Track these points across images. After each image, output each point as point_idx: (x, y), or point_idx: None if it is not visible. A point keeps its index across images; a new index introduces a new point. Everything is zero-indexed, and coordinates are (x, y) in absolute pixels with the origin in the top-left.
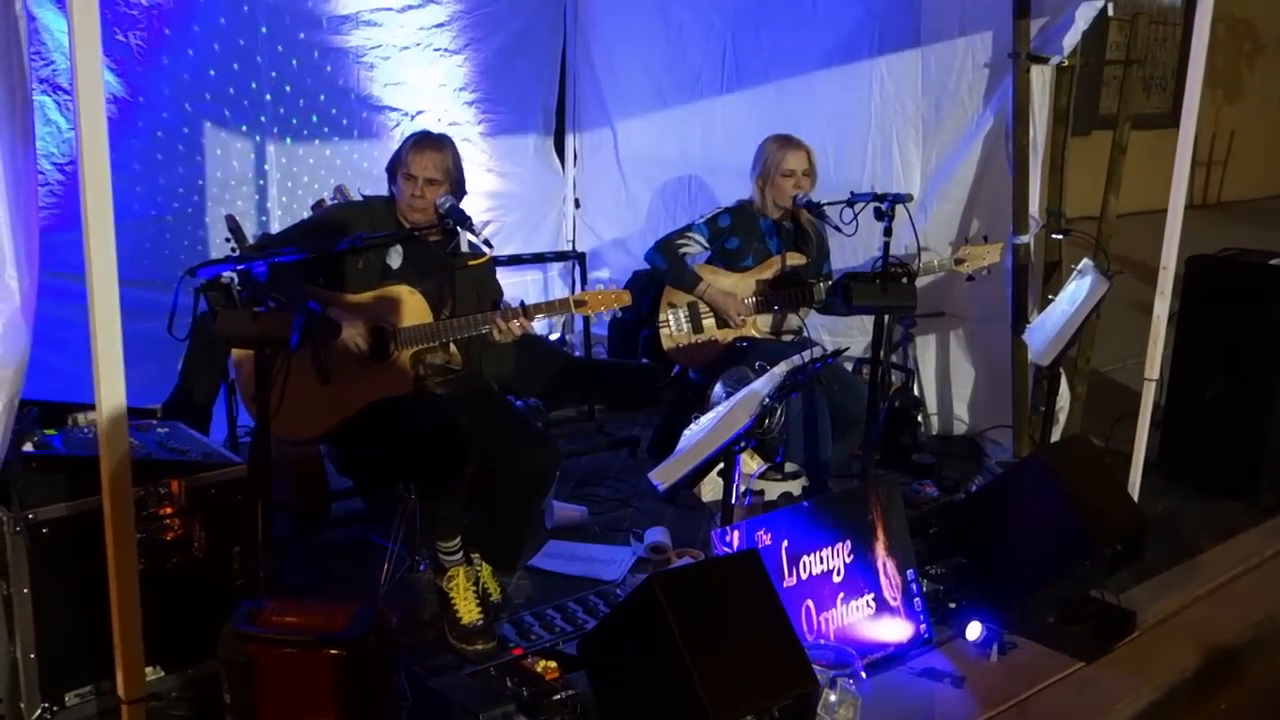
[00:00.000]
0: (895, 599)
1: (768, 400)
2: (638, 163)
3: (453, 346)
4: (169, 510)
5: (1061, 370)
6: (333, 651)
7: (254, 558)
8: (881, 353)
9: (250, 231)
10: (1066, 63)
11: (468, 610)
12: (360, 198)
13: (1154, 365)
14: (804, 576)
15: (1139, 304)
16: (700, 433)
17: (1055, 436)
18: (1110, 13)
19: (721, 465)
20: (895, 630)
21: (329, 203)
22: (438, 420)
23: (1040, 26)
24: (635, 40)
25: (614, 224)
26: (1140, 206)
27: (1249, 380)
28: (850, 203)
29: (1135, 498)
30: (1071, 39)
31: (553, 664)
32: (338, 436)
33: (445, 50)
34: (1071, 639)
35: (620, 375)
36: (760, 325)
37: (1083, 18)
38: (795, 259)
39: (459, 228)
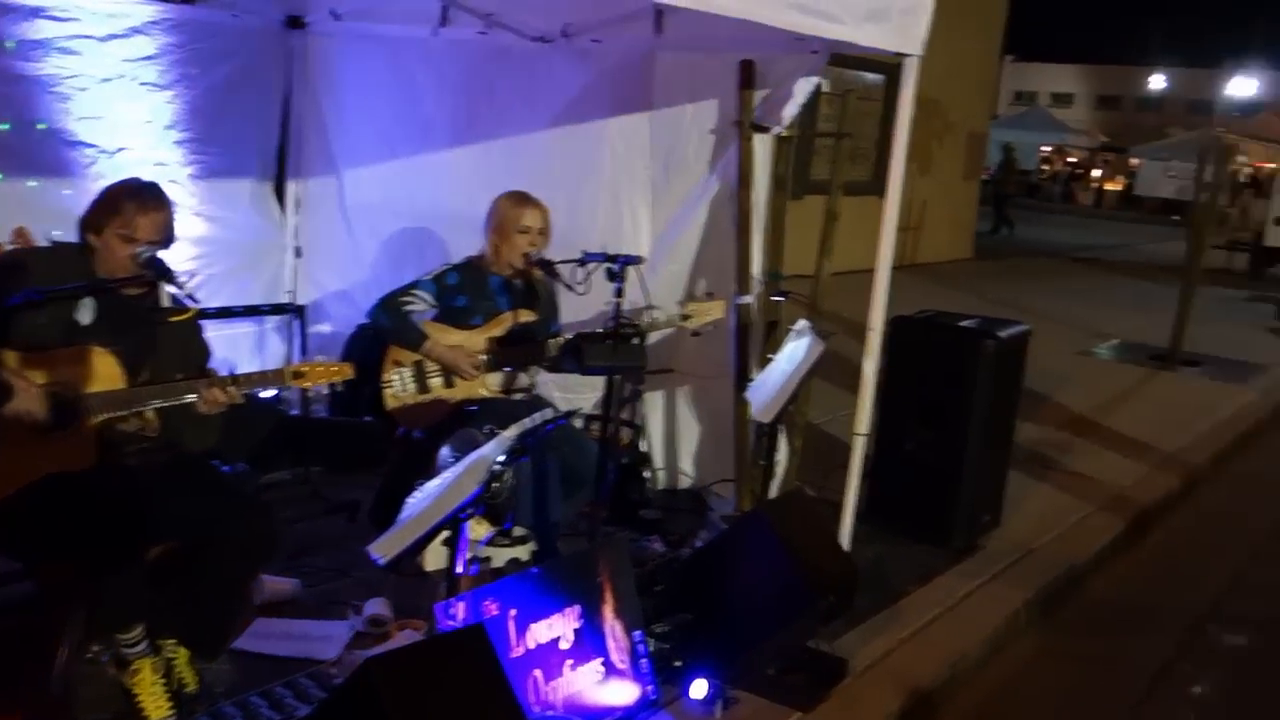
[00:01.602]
0: (623, 662)
1: (497, 465)
2: (365, 212)
3: (149, 412)
4: None
5: (780, 425)
6: None
7: None
8: (612, 411)
9: None
10: (785, 133)
11: (156, 707)
12: (46, 243)
13: (863, 421)
14: (532, 646)
15: (847, 357)
16: (424, 501)
17: (775, 489)
18: (824, 89)
19: (447, 534)
20: (623, 694)
21: (7, 248)
22: (117, 495)
23: (762, 98)
24: (365, 87)
25: (338, 275)
26: (844, 266)
27: (944, 433)
28: (582, 262)
29: (847, 547)
30: (790, 111)
31: None
32: (2, 513)
33: (153, 85)
34: (789, 689)
35: (340, 435)
36: (490, 384)
37: (801, 92)
38: (526, 317)
39: (160, 280)
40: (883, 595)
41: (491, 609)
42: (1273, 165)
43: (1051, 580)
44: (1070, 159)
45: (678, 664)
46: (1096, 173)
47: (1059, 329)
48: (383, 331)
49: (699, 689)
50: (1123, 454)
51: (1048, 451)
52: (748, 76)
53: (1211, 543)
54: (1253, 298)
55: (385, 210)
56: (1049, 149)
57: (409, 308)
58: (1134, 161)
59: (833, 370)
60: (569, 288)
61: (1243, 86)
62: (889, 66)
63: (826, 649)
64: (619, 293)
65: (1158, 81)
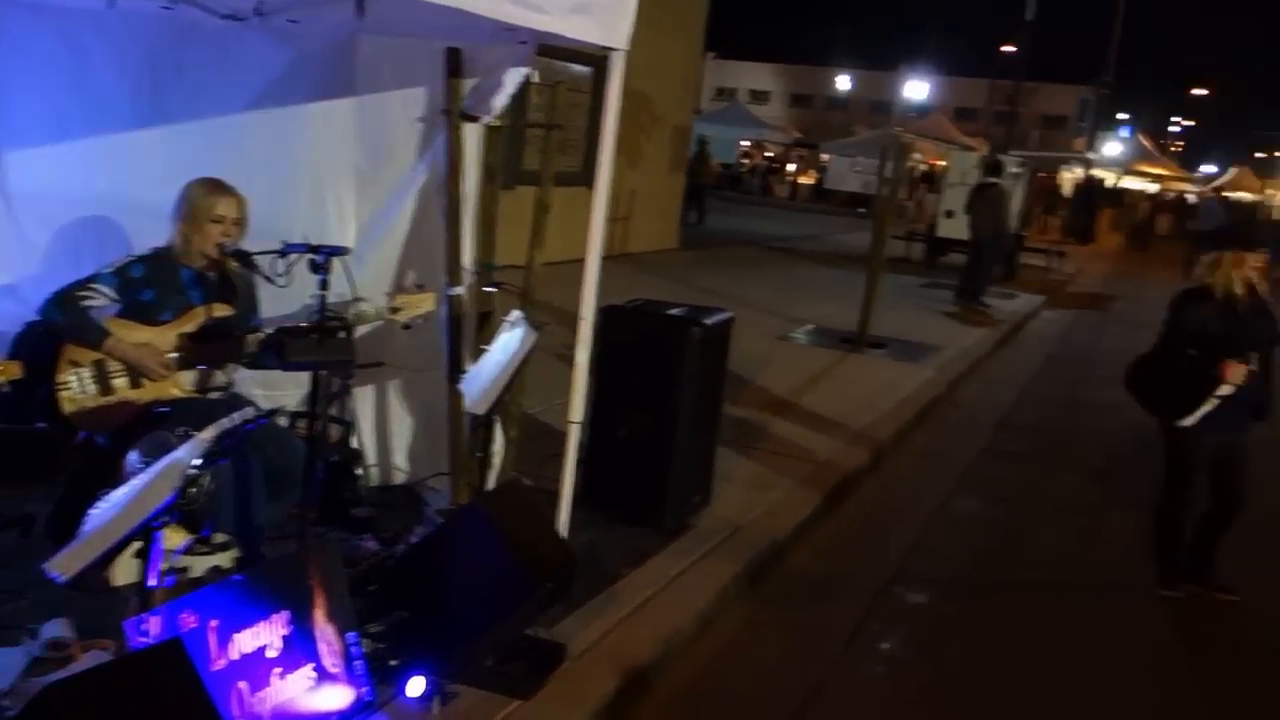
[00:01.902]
0: (336, 665)
1: (193, 469)
2: (34, 199)
3: None
4: None
5: (496, 416)
6: None
7: None
8: (319, 408)
9: None
10: (495, 122)
11: None
12: None
13: (577, 409)
14: (235, 657)
15: (560, 347)
16: (111, 511)
17: (492, 481)
18: (534, 79)
19: (138, 545)
20: (336, 698)
21: None
22: None
23: (472, 87)
24: (29, 60)
25: (3, 268)
26: (557, 257)
27: (655, 418)
28: (283, 253)
29: (564, 534)
30: (499, 101)
31: None
32: None
33: None
34: (508, 679)
35: (9, 443)
36: (183, 383)
37: (510, 82)
38: (221, 311)
39: None
40: (599, 579)
41: (189, 621)
42: (943, 163)
43: (757, 555)
44: (768, 153)
45: (394, 663)
46: (791, 167)
47: (760, 315)
48: (57, 328)
49: (416, 686)
50: (819, 432)
51: (752, 432)
52: (455, 64)
53: (896, 511)
54: (928, 284)
55: (59, 197)
56: (748, 143)
57: (87, 303)
58: (824, 157)
59: (547, 360)
60: (269, 280)
61: (917, 89)
62: (597, 59)
63: (545, 635)
64: (323, 285)
65: (844, 82)
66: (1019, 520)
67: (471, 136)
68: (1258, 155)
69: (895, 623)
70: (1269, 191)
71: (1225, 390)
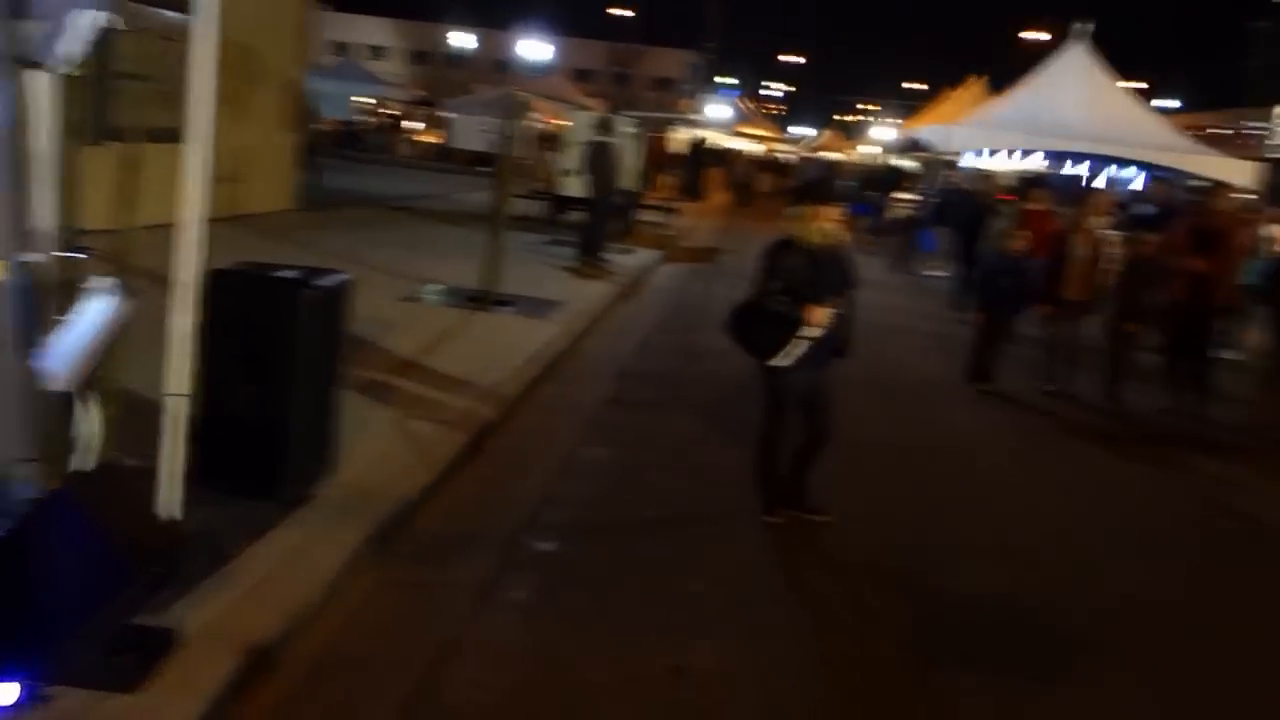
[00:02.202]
0: None
1: None
2: None
3: None
4: None
5: (87, 394)
6: None
7: None
8: None
9: None
10: (72, 71)
11: None
12: None
13: (181, 380)
14: None
15: (168, 316)
16: None
17: (88, 464)
18: (122, 26)
19: None
20: None
21: None
22: None
23: (38, 30)
24: None
25: None
26: (161, 219)
27: (270, 386)
28: None
29: (177, 514)
30: (69, 47)
31: None
32: None
33: None
34: (115, 672)
35: None
36: None
37: (84, 27)
38: None
39: None
40: (216, 558)
41: None
42: (563, 122)
43: (386, 518)
44: (390, 111)
45: None
46: (416, 125)
47: (384, 276)
48: None
49: (6, 694)
50: (448, 391)
51: (378, 395)
52: (15, 3)
53: (526, 464)
54: (551, 241)
55: None
56: (371, 101)
57: None
58: (448, 115)
59: (157, 331)
60: None
61: (536, 49)
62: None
63: (152, 623)
64: None
65: (465, 40)
66: (641, 463)
67: (41, 86)
68: (838, 118)
69: (525, 573)
70: (849, 152)
71: (811, 332)
